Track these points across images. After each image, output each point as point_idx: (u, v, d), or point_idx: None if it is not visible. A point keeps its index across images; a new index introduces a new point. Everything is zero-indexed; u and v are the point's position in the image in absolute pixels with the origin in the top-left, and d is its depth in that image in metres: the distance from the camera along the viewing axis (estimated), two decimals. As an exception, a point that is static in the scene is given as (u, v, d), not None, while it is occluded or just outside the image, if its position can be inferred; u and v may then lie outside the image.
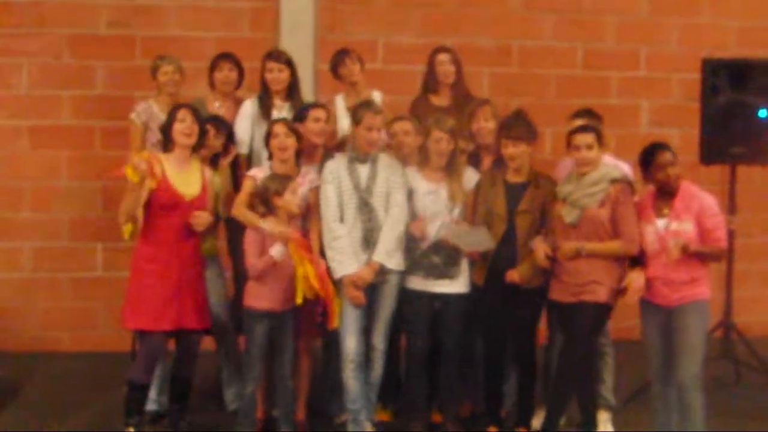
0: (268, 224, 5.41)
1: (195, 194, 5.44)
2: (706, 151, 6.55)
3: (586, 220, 5.25)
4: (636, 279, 5.20)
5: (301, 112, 5.88)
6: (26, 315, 7.74)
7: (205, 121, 5.78)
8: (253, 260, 5.43)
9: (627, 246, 5.24)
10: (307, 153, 5.82)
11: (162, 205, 5.35)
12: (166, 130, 5.49)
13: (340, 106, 6.34)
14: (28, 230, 7.71)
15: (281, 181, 5.45)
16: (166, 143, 5.50)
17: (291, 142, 5.62)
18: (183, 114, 5.45)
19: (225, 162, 5.96)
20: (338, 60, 6.37)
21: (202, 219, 5.42)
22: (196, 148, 5.57)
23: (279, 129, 5.61)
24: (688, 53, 7.94)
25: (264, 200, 5.46)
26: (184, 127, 5.44)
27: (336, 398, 5.87)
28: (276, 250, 5.36)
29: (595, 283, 5.26)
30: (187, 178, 5.46)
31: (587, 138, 5.31)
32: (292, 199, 5.43)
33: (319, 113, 5.81)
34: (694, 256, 5.09)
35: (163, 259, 5.37)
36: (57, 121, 7.65)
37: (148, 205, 5.34)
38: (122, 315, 5.45)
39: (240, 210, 5.57)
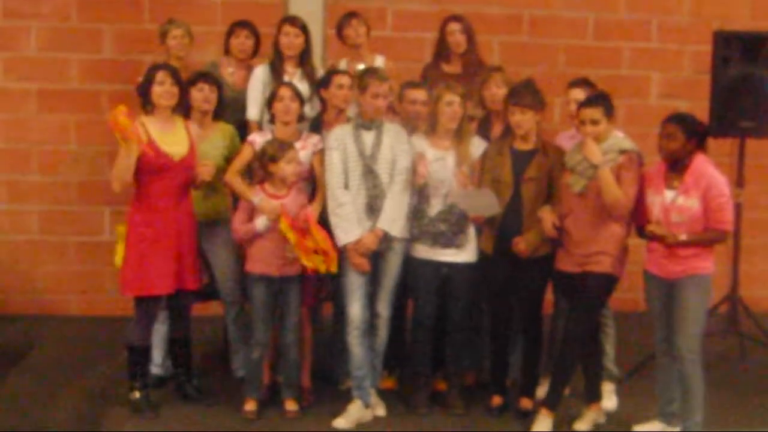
0: (258, 198, 5.43)
1: (183, 153, 5.43)
2: (715, 124, 6.50)
3: (594, 190, 5.22)
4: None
5: (324, 78, 5.89)
6: (33, 278, 7.77)
7: (195, 78, 5.78)
8: (237, 225, 5.51)
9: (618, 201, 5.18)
10: (329, 119, 5.84)
11: (151, 168, 5.32)
12: (145, 92, 5.43)
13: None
14: (35, 193, 7.73)
15: (279, 147, 5.44)
16: (146, 105, 5.44)
17: (295, 106, 5.63)
18: (162, 76, 5.40)
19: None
20: (344, 21, 6.38)
21: (207, 168, 5.47)
22: (179, 110, 5.58)
23: (284, 92, 5.62)
24: (700, 25, 7.89)
25: (262, 165, 5.47)
26: (163, 90, 5.40)
27: (341, 365, 5.90)
28: (260, 222, 5.40)
29: (601, 253, 5.24)
30: (173, 138, 5.44)
31: (593, 113, 5.24)
32: (287, 167, 5.42)
33: (343, 79, 5.79)
34: (697, 231, 5.06)
35: (157, 223, 5.36)
36: (65, 84, 7.63)
37: (137, 171, 5.31)
38: (120, 282, 5.45)
39: (232, 178, 5.63)
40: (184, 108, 5.73)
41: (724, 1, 8.21)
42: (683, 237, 5.02)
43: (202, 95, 5.77)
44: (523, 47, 8.02)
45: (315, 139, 5.72)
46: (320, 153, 5.67)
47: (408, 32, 7.32)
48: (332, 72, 5.93)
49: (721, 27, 6.85)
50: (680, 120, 5.15)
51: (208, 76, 5.86)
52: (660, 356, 5.34)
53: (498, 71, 6.03)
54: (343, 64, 6.36)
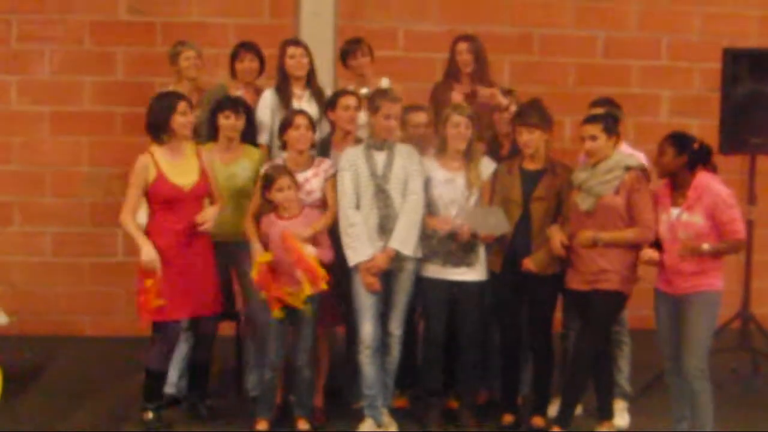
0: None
1: (194, 182, 5.44)
2: (725, 140, 6.50)
3: (602, 207, 5.25)
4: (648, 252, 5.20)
5: (331, 100, 5.90)
6: (47, 299, 7.80)
7: (223, 104, 5.80)
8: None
9: (643, 233, 5.22)
10: (337, 141, 5.87)
11: (163, 200, 5.36)
12: (162, 121, 5.38)
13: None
14: (49, 215, 7.77)
15: (270, 175, 5.46)
16: (160, 135, 5.40)
17: (310, 134, 5.64)
18: (184, 106, 5.40)
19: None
20: (348, 51, 6.40)
21: (207, 216, 5.43)
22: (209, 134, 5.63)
23: (300, 121, 5.61)
24: (710, 42, 7.89)
25: (262, 194, 5.51)
26: (186, 120, 5.42)
27: (354, 385, 5.90)
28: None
29: (609, 271, 5.26)
30: (183, 167, 5.44)
31: (591, 129, 5.31)
32: (278, 195, 5.42)
33: (350, 101, 5.81)
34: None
35: (173, 251, 5.37)
36: (78, 107, 7.69)
37: (150, 201, 5.37)
38: (138, 308, 5.46)
39: (247, 223, 5.66)
40: (212, 133, 5.81)
41: (734, 19, 8.22)
42: (705, 246, 5.02)
43: (229, 123, 5.77)
44: (534, 66, 8.05)
45: (327, 164, 5.72)
46: (332, 178, 5.68)
47: (419, 53, 7.37)
48: (339, 93, 5.93)
49: (731, 44, 6.88)
50: (673, 136, 5.21)
51: (235, 104, 5.85)
52: (668, 374, 5.33)
53: (509, 94, 6.06)
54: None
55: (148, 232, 5.39)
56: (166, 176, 5.36)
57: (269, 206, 5.55)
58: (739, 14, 8.25)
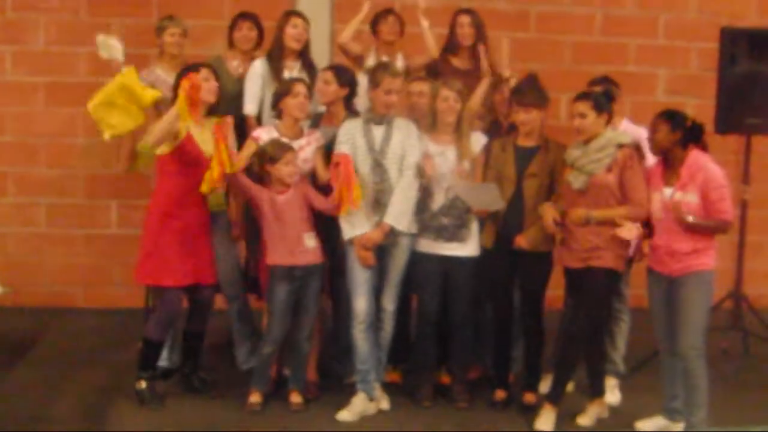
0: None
1: (210, 153, 5.44)
2: (721, 121, 6.51)
3: (594, 185, 5.25)
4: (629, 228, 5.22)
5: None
6: (41, 271, 7.81)
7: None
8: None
9: (635, 211, 5.23)
10: (327, 116, 5.88)
11: (187, 162, 5.40)
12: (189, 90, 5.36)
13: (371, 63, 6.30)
14: (43, 186, 7.77)
15: (279, 149, 5.45)
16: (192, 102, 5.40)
17: (307, 103, 5.64)
18: (206, 73, 5.46)
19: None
20: (381, 16, 6.41)
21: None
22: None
23: (300, 88, 5.61)
24: (707, 22, 7.89)
25: (260, 165, 5.49)
26: (210, 86, 5.47)
27: (346, 359, 5.92)
28: None
29: (602, 248, 5.26)
30: (205, 135, 5.48)
31: (580, 106, 5.30)
32: (284, 168, 5.43)
33: (329, 76, 5.76)
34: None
35: (183, 215, 5.43)
36: (73, 78, 7.66)
37: (168, 162, 5.39)
38: (138, 270, 5.49)
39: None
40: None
41: (732, -2, 8.21)
42: (690, 218, 5.03)
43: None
44: (531, 43, 8.03)
45: (317, 134, 5.73)
46: (321, 148, 5.69)
47: (416, 27, 7.29)
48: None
49: (729, 24, 6.87)
50: (665, 113, 5.21)
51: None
52: (663, 353, 5.36)
53: (510, 80, 6.07)
54: (371, 57, 6.37)
55: (155, 193, 5.46)
56: (194, 139, 5.43)
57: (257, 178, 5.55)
58: (738, -7, 8.23)
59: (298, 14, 6.24)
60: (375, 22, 6.43)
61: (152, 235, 5.47)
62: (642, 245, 5.49)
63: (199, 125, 5.49)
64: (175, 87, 5.42)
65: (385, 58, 6.21)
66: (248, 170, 5.57)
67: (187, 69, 5.54)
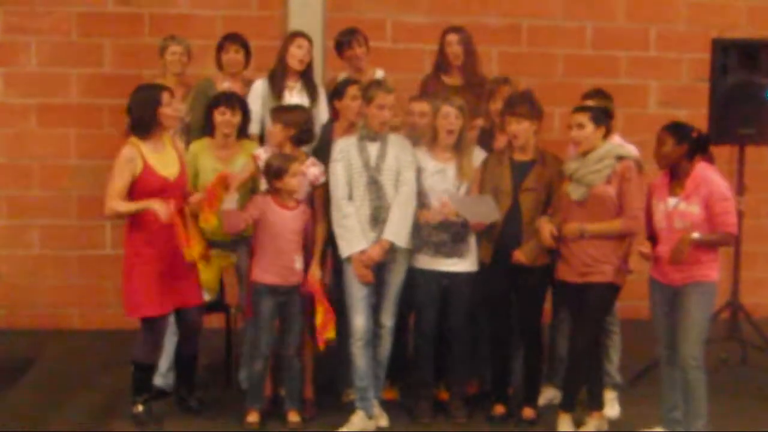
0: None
1: (177, 173, 5.40)
2: (714, 131, 6.50)
3: (593, 197, 5.25)
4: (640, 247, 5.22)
5: (339, 89, 5.90)
6: (35, 292, 7.78)
7: (218, 100, 5.78)
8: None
9: (626, 223, 5.24)
10: (341, 130, 5.87)
11: (150, 190, 5.28)
12: (149, 115, 5.29)
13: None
14: (36, 208, 7.75)
15: (284, 160, 5.45)
16: (149, 129, 5.32)
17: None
18: (168, 97, 5.35)
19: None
20: (344, 42, 6.38)
21: (194, 204, 5.43)
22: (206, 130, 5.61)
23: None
24: (698, 33, 7.93)
25: (268, 180, 5.49)
26: (172, 111, 5.41)
27: (344, 376, 5.90)
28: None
29: (601, 262, 5.26)
30: (165, 158, 5.39)
31: (579, 117, 5.33)
32: (292, 180, 5.43)
33: (357, 91, 5.79)
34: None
35: (158, 242, 5.31)
36: (65, 99, 7.66)
37: (134, 193, 5.28)
38: (125, 306, 5.43)
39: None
40: (208, 129, 5.81)
41: (722, 9, 8.25)
42: (696, 235, 5.03)
43: (224, 119, 5.75)
44: (522, 57, 8.05)
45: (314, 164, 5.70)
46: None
47: (407, 44, 7.36)
48: (347, 82, 5.93)
49: (720, 35, 6.89)
50: (671, 126, 5.22)
51: (230, 99, 5.81)
52: (663, 364, 5.35)
53: (505, 83, 6.06)
54: (342, 78, 6.37)
55: (130, 224, 5.35)
56: (153, 168, 5.31)
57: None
58: (728, 4, 8.27)
59: (303, 35, 6.21)
60: (339, 47, 6.42)
61: (128, 268, 5.37)
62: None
63: (158, 151, 5.37)
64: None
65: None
66: (253, 191, 5.59)
67: (212, 104, 5.73)
